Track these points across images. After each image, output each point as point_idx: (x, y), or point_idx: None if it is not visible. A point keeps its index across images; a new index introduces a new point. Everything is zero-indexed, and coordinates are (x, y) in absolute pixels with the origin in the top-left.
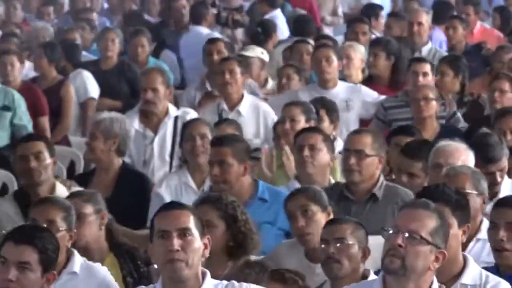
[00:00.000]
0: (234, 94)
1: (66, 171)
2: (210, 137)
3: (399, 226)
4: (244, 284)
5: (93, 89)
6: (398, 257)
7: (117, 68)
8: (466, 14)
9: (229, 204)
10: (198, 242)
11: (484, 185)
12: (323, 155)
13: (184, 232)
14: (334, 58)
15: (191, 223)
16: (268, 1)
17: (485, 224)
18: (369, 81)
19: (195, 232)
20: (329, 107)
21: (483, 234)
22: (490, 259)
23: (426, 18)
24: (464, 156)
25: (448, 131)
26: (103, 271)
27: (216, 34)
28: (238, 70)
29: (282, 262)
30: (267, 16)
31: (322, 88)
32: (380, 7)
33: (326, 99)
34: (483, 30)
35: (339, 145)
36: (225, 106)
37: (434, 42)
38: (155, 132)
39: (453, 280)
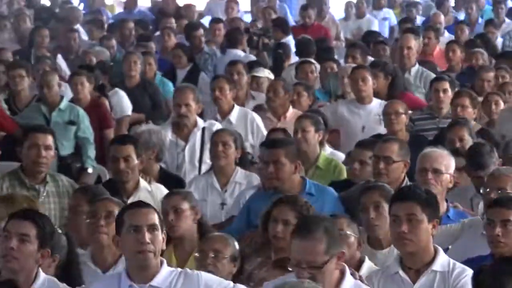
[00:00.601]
0: (225, 106)
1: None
2: (232, 144)
3: (298, 260)
4: (196, 271)
5: (128, 107)
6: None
7: (140, 85)
8: (428, 38)
9: (304, 205)
10: (160, 235)
11: None
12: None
13: (152, 227)
14: (369, 78)
15: (157, 220)
16: (282, 29)
17: None
18: None
19: (159, 227)
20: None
21: None
22: None
23: (414, 43)
24: (446, 161)
25: (415, 140)
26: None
27: (252, 57)
28: (227, 87)
29: None
30: (282, 41)
31: (360, 103)
32: (379, 34)
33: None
34: (441, 52)
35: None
36: (218, 116)
37: None
38: (186, 141)
39: (425, 267)
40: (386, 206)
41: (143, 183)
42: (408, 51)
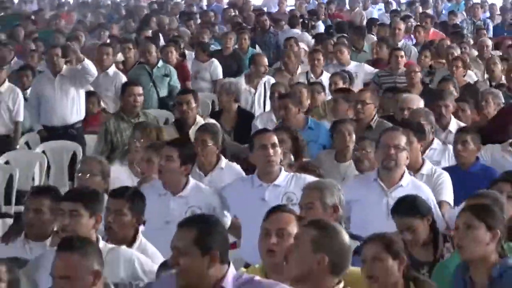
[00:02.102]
0: (318, 71)
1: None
2: (284, 91)
3: (388, 144)
4: (303, 175)
5: (220, 73)
6: (393, 159)
7: (231, 54)
8: (425, 23)
9: (294, 131)
10: (279, 150)
11: (432, 118)
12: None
13: (274, 145)
14: (345, 50)
15: (276, 140)
16: (317, 17)
17: (436, 141)
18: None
19: (278, 144)
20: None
21: (434, 146)
22: (438, 159)
23: (402, 26)
24: (417, 102)
25: (426, 90)
26: (238, 166)
27: (306, 34)
28: (321, 57)
29: (321, 161)
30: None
31: (342, 66)
32: (377, 20)
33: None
34: (435, 33)
35: None
36: (312, 75)
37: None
38: (255, 89)
39: (415, 171)
40: (353, 133)
41: (198, 118)
42: (398, 31)
